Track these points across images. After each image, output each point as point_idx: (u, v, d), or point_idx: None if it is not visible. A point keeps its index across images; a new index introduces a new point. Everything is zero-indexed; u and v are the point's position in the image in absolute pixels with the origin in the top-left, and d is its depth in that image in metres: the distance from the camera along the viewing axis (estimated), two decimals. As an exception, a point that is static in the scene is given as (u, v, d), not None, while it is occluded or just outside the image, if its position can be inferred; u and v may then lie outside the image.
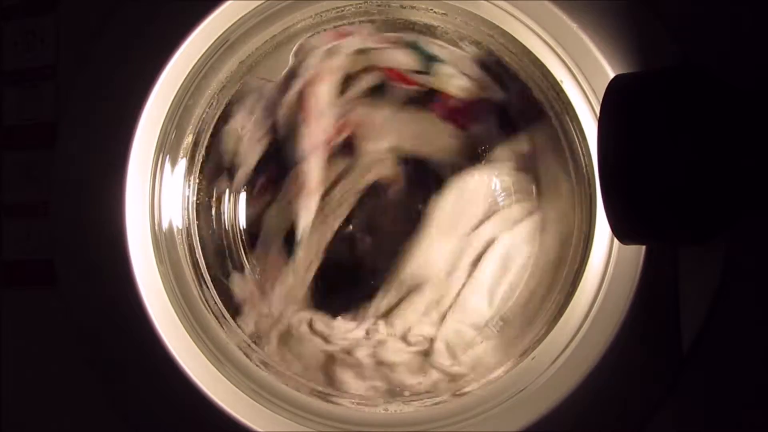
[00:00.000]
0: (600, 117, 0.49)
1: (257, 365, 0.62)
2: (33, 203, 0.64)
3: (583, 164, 0.58)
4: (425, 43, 0.64)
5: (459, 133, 0.65)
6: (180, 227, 0.64)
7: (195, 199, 0.65)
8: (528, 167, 0.64)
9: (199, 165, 0.65)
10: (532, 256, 0.63)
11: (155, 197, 0.62)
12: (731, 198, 0.46)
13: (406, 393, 0.62)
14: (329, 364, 0.63)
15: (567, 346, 0.56)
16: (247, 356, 0.62)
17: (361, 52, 0.65)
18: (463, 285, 0.63)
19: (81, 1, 0.63)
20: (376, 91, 0.65)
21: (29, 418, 0.64)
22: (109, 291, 0.59)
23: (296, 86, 0.64)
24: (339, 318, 0.64)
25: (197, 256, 0.64)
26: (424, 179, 0.65)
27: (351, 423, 0.60)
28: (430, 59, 0.64)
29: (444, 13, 0.62)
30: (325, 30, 0.65)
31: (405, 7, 0.63)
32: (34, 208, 0.64)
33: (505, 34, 0.59)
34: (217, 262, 0.66)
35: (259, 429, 0.58)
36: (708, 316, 0.51)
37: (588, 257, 0.57)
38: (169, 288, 0.60)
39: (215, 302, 0.64)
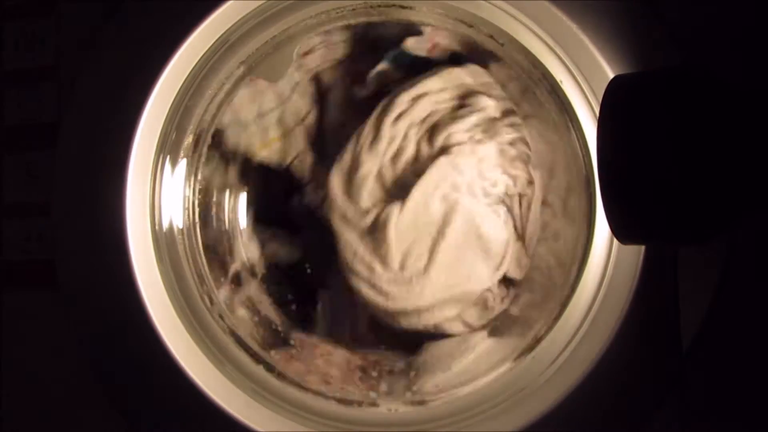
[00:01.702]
0: (600, 117, 0.49)
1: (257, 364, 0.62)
2: (33, 203, 0.64)
3: (583, 164, 0.58)
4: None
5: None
6: (180, 227, 0.64)
7: (195, 199, 0.65)
8: (527, 165, 0.64)
9: (199, 165, 0.65)
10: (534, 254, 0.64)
11: (155, 197, 0.61)
12: (731, 198, 0.46)
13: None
14: None
15: (567, 346, 0.56)
16: (247, 355, 0.62)
17: None
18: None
19: (81, 1, 0.63)
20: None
21: (29, 417, 0.64)
22: (110, 291, 0.59)
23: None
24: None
25: (197, 256, 0.64)
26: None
27: (351, 423, 0.60)
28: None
29: (444, 13, 0.62)
30: (325, 31, 0.65)
31: (405, 8, 0.63)
32: (34, 208, 0.64)
33: (505, 34, 0.59)
34: (218, 261, 0.66)
35: (259, 429, 0.58)
36: (708, 316, 0.51)
37: (588, 257, 0.57)
38: (169, 288, 0.60)
39: (215, 302, 0.64)
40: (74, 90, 0.62)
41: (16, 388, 0.64)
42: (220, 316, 0.63)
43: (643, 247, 0.53)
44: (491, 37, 0.61)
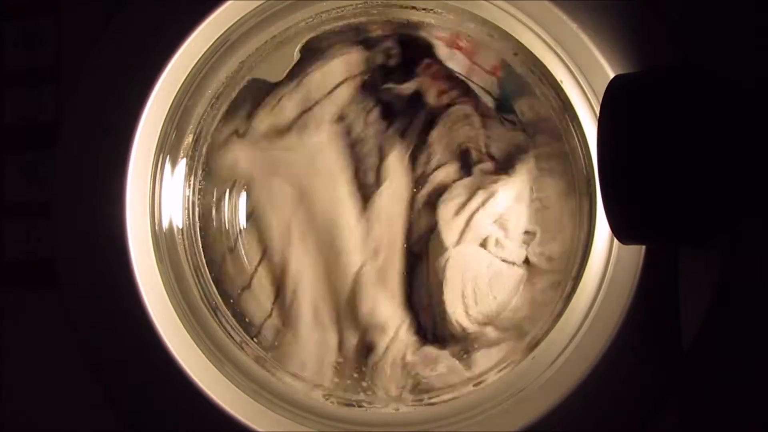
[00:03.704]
0: (600, 117, 0.49)
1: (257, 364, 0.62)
2: (33, 203, 0.64)
3: (583, 164, 0.58)
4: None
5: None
6: (180, 227, 0.64)
7: (195, 199, 0.65)
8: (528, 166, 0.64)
9: (199, 165, 0.65)
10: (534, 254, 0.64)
11: (155, 197, 0.62)
12: (731, 198, 0.46)
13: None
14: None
15: (567, 346, 0.56)
16: (247, 355, 0.62)
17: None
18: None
19: (81, 1, 0.63)
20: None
21: (29, 417, 0.64)
22: (109, 291, 0.59)
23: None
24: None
25: (197, 256, 0.64)
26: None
27: (351, 423, 0.60)
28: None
29: (444, 13, 0.62)
30: (325, 30, 0.65)
31: (405, 8, 0.63)
32: (34, 208, 0.64)
33: (505, 34, 0.59)
34: (218, 262, 0.66)
35: (259, 429, 0.58)
36: (708, 315, 0.51)
37: (588, 257, 0.57)
38: (169, 288, 0.61)
39: (216, 302, 0.64)
40: (74, 90, 0.62)
41: (16, 388, 0.64)
42: (220, 316, 0.63)
43: (643, 247, 0.53)
44: (491, 36, 0.61)
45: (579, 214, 0.60)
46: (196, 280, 0.63)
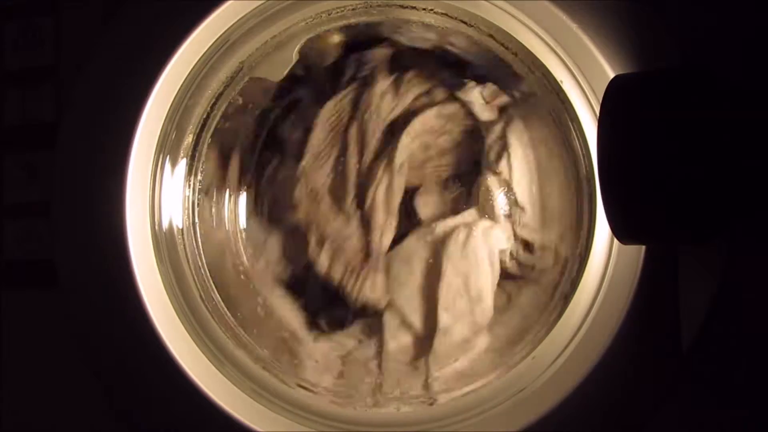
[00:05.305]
0: (600, 117, 0.49)
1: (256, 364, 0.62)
2: (33, 203, 0.64)
3: (583, 164, 0.58)
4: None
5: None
6: (180, 227, 0.64)
7: (195, 199, 0.65)
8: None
9: (199, 165, 0.65)
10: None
11: (155, 197, 0.62)
12: (731, 198, 0.46)
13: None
14: None
15: (567, 346, 0.56)
16: (247, 354, 0.62)
17: None
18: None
19: (81, 1, 0.63)
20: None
21: (29, 418, 0.64)
22: (110, 291, 0.59)
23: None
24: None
25: (197, 256, 0.64)
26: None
27: (352, 423, 0.60)
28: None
29: (444, 13, 0.62)
30: (325, 30, 0.65)
31: (405, 7, 0.63)
32: (34, 208, 0.64)
33: (505, 34, 0.59)
34: (218, 262, 0.66)
35: (259, 429, 0.58)
36: (708, 316, 0.51)
37: (588, 257, 0.57)
38: (169, 288, 0.60)
39: (215, 302, 0.64)
40: (74, 90, 0.62)
41: (16, 388, 0.64)
42: (220, 316, 0.63)
43: (643, 247, 0.53)
44: (491, 36, 0.61)
45: (578, 214, 0.60)
46: (196, 280, 0.63)
